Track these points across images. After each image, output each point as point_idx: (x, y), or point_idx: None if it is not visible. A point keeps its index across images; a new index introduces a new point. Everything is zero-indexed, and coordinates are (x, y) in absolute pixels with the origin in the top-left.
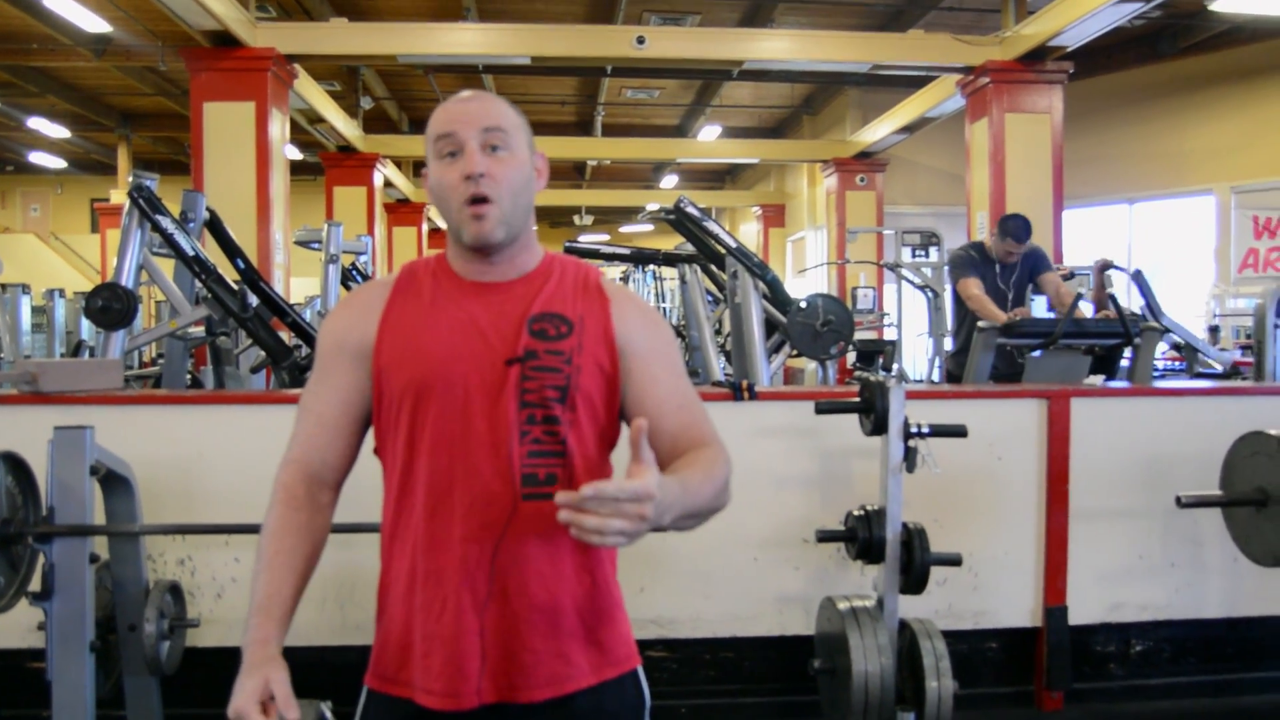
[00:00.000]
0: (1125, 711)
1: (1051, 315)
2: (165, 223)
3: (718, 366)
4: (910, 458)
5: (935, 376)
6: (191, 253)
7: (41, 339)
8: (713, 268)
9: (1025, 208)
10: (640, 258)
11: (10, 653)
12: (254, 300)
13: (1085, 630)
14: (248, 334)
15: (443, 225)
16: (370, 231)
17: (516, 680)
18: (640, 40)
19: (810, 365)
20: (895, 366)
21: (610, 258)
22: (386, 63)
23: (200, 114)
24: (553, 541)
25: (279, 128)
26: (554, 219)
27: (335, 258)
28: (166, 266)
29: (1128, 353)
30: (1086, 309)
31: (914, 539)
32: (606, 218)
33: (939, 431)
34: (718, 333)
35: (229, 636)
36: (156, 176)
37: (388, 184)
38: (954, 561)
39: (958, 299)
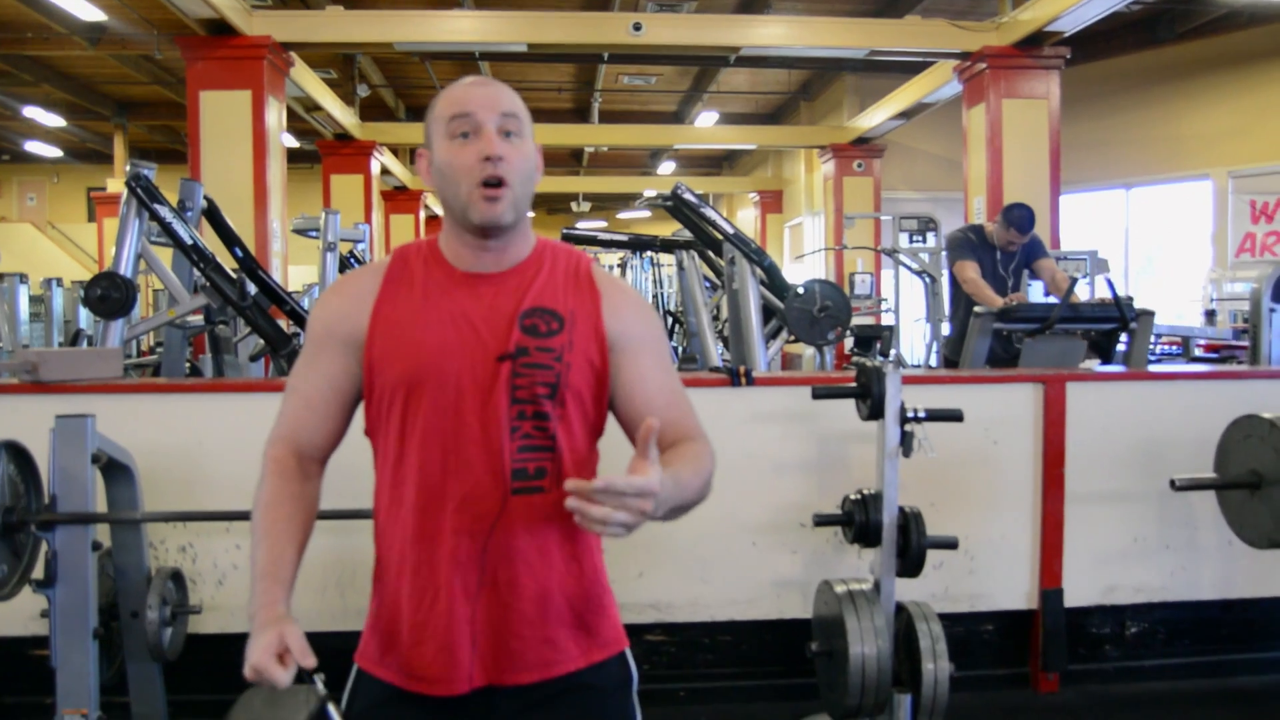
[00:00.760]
0: (1120, 693)
1: (1048, 300)
2: (163, 212)
3: (715, 352)
4: (907, 442)
5: (933, 361)
6: (190, 241)
7: (39, 328)
8: (710, 254)
9: (1022, 193)
10: (638, 244)
11: (14, 640)
12: (252, 288)
13: (1081, 612)
14: (246, 322)
15: (439, 212)
16: (368, 219)
17: (505, 665)
18: (637, 26)
19: (808, 351)
20: (893, 352)
21: (608, 244)
22: (383, 50)
23: (196, 102)
24: (542, 533)
25: (275, 116)
26: (551, 205)
27: (333, 245)
28: (165, 255)
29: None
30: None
31: (910, 523)
32: (604, 204)
33: (935, 416)
34: (715, 318)
35: (231, 623)
36: (154, 166)
37: (385, 171)
38: (950, 545)
39: (954, 281)
